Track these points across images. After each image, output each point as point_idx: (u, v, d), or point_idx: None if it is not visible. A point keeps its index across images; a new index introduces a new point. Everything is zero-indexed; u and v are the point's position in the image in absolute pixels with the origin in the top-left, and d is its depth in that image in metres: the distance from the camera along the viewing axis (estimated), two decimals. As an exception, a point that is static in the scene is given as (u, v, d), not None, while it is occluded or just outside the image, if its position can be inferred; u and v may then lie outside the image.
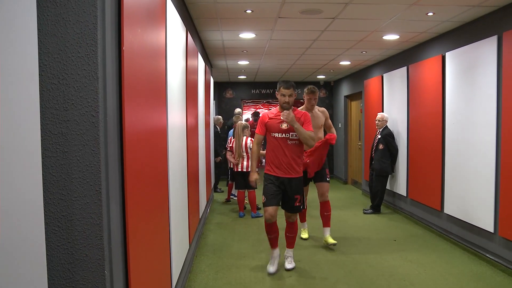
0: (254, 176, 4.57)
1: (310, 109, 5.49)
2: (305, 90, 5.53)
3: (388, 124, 7.73)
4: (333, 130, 5.70)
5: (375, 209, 7.54)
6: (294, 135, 4.41)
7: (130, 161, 2.10)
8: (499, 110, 4.59)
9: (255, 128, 4.78)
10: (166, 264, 3.08)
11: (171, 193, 3.27)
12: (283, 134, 4.43)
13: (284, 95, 4.42)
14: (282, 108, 4.43)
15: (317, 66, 9.33)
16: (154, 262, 2.67)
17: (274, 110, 4.62)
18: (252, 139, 7.47)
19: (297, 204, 4.54)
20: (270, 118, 4.51)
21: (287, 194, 4.51)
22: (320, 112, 5.65)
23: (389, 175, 7.61)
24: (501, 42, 4.56)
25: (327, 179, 5.63)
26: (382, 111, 8.13)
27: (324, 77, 11.47)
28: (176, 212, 3.50)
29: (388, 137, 7.38)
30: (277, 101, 4.57)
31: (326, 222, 5.61)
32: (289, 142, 4.43)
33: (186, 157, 4.28)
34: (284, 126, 4.40)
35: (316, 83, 12.41)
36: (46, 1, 1.70)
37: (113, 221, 1.91)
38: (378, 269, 4.64)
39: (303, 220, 5.98)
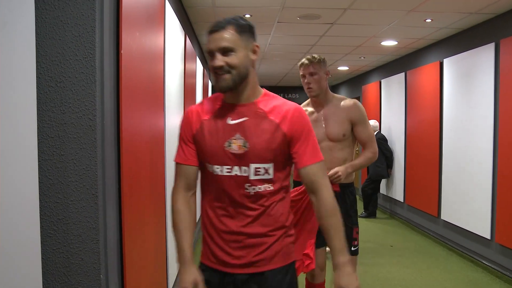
0: (188, 278, 1.67)
1: (315, 103, 2.97)
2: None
3: (384, 130, 7.76)
4: (372, 148, 2.93)
5: (370, 213, 7.58)
6: (267, 165, 1.66)
7: (127, 164, 2.10)
8: (496, 117, 4.60)
9: None
10: (162, 268, 3.07)
11: (168, 197, 3.26)
12: (233, 167, 1.66)
13: (212, 51, 1.61)
14: (217, 80, 1.63)
15: (315, 71, 9.33)
16: (150, 267, 2.66)
17: (211, 101, 1.77)
18: None
19: None
20: (204, 120, 1.71)
21: None
22: (344, 108, 2.92)
23: (381, 180, 7.64)
24: (499, 49, 4.58)
25: (353, 248, 2.95)
26: (380, 117, 8.15)
27: (322, 82, 11.49)
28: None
29: (381, 140, 7.40)
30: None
31: None
32: (251, 190, 1.66)
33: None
34: (236, 145, 1.63)
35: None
36: (45, 4, 1.70)
37: (109, 225, 1.90)
38: (374, 274, 4.63)
39: None
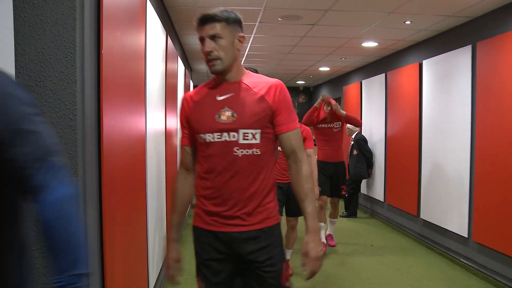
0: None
1: None
2: None
3: (365, 130, 7.84)
4: None
5: (351, 212, 7.64)
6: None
7: (108, 165, 2.08)
8: (474, 117, 4.69)
9: None
10: (143, 269, 3.05)
11: (149, 198, 3.24)
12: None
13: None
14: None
15: (296, 71, 9.39)
16: (131, 268, 2.65)
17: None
18: None
19: None
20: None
21: None
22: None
23: (362, 180, 7.71)
24: (475, 52, 4.68)
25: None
26: (361, 117, 8.22)
27: (303, 82, 11.56)
28: (153, 217, 3.48)
29: (361, 141, 7.48)
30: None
31: None
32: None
33: (165, 161, 4.25)
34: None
35: (296, 89, 12.49)
36: (23, 2, 1.68)
37: (90, 226, 1.88)
38: (355, 273, 4.68)
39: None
